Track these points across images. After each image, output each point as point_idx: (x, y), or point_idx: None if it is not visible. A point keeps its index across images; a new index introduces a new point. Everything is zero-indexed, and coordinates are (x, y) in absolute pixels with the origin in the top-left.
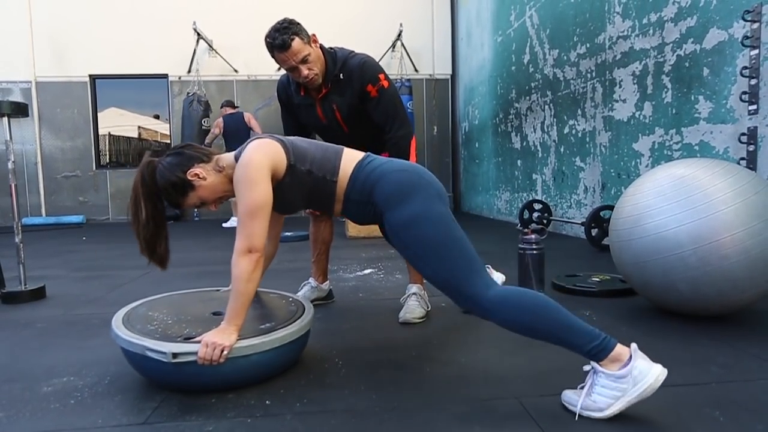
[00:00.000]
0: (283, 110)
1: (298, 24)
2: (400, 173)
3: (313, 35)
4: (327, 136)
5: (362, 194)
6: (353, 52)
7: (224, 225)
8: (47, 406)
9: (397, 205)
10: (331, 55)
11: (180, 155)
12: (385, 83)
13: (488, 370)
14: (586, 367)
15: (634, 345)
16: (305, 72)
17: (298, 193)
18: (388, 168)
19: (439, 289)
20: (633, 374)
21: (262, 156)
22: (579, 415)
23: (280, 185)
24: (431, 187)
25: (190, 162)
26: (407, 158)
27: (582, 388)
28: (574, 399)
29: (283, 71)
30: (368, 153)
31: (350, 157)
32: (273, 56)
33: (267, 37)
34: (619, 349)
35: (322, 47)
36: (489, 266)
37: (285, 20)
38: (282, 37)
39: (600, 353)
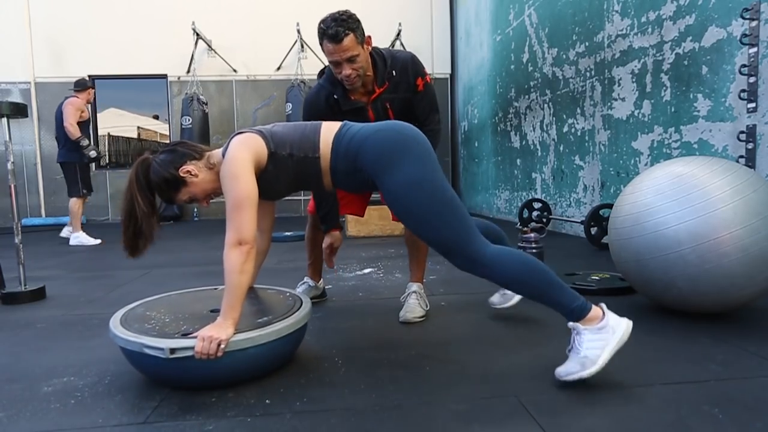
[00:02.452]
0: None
1: (358, 21)
2: (379, 133)
3: (368, 37)
4: None
5: (347, 162)
6: (389, 48)
7: (71, 243)
8: (47, 406)
9: (389, 169)
10: (379, 54)
11: (173, 152)
12: (428, 78)
13: (487, 369)
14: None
15: (602, 304)
16: (348, 71)
17: (284, 177)
18: (367, 131)
19: (440, 250)
20: (610, 324)
21: (244, 150)
22: (580, 377)
23: (265, 173)
24: (418, 145)
25: (182, 159)
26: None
27: (569, 352)
28: (570, 366)
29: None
30: (345, 122)
31: (329, 130)
32: (321, 44)
33: (322, 22)
34: (594, 310)
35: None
36: None
37: (346, 12)
38: (337, 28)
39: (581, 312)
